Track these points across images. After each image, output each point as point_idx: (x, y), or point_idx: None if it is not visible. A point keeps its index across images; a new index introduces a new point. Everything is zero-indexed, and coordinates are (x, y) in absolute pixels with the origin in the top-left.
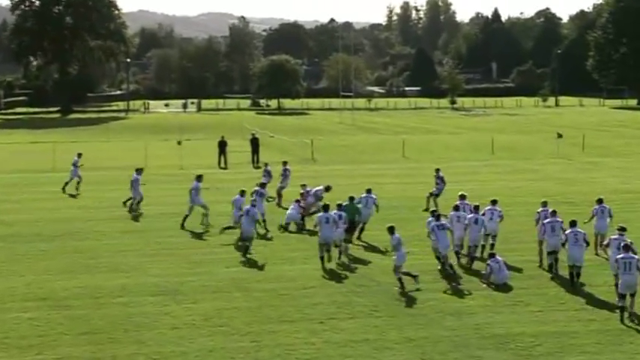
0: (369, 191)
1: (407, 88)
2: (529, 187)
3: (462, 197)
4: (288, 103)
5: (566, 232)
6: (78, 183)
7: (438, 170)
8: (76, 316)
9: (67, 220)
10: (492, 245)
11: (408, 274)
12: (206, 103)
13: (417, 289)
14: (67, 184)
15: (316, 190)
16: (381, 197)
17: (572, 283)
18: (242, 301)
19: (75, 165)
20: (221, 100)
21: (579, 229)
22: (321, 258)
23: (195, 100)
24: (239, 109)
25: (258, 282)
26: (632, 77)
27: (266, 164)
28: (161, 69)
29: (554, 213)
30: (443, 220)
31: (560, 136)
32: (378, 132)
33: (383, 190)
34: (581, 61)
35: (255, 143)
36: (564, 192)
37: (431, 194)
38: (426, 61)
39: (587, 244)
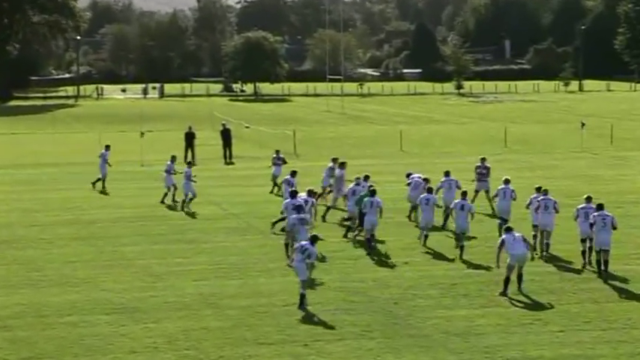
0: (372, 193)
1: (405, 71)
2: (549, 186)
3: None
4: (266, 87)
5: (594, 214)
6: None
7: (483, 160)
8: (18, 338)
9: (6, 226)
10: (547, 245)
11: None
12: (170, 87)
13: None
14: (100, 180)
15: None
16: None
17: (599, 272)
18: (212, 320)
19: (104, 159)
20: (188, 85)
21: (607, 213)
22: None
23: (158, 85)
24: (209, 95)
25: (232, 298)
26: None
27: (277, 151)
28: (117, 48)
29: (589, 199)
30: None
31: (583, 125)
32: (372, 122)
33: (378, 191)
34: (609, 39)
35: (226, 135)
36: (589, 191)
37: (481, 192)
38: (427, 39)
39: (615, 227)
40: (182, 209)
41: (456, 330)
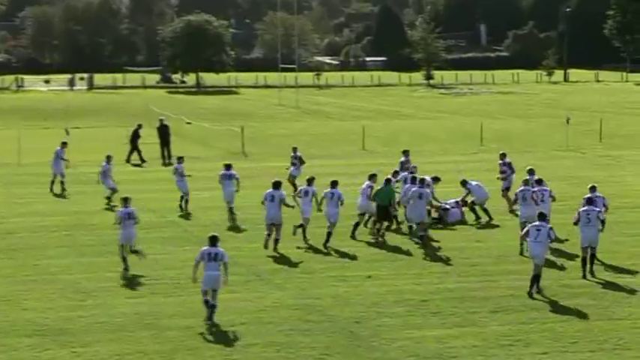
0: (333, 185)
1: (368, 59)
2: None
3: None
4: (210, 78)
5: (580, 210)
6: (62, 182)
7: (503, 156)
8: None
9: None
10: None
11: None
12: (100, 78)
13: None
14: (52, 183)
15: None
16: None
17: (584, 274)
18: (150, 343)
19: (60, 158)
20: (120, 75)
21: (594, 207)
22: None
23: (86, 75)
24: (144, 87)
25: (171, 317)
26: None
27: (295, 149)
28: (39, 33)
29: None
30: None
31: (569, 120)
32: (330, 117)
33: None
34: (597, 23)
35: (164, 132)
36: (577, 195)
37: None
38: (392, 23)
39: (603, 223)
40: (183, 210)
41: (426, 353)
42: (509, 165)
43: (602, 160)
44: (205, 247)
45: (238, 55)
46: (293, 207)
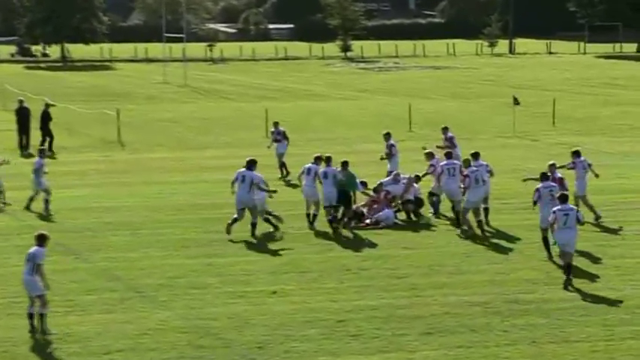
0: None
1: (272, 27)
2: None
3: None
4: (79, 50)
5: (554, 209)
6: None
7: (446, 130)
8: None
9: None
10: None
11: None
12: None
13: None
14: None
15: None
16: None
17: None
18: None
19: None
20: None
21: (571, 206)
22: None
23: None
24: None
25: (31, 344)
26: (631, 8)
27: (276, 123)
28: None
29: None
30: None
31: (517, 102)
32: (226, 97)
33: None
34: None
35: (23, 116)
36: (525, 192)
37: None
38: None
39: (581, 223)
40: (47, 212)
41: None
42: (451, 140)
43: (556, 148)
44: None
45: (113, 22)
46: (274, 192)
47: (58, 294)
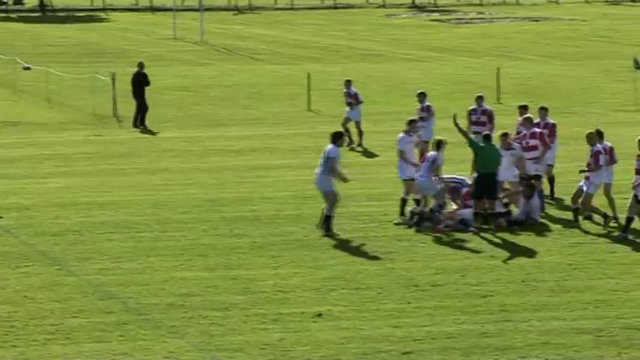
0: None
1: None
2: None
3: None
4: None
5: None
6: None
7: (422, 95)
8: None
9: None
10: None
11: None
12: None
13: None
14: None
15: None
16: (267, 197)
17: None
18: None
19: None
20: None
21: None
22: None
23: None
24: None
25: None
26: None
27: (348, 82)
28: None
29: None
30: None
31: (638, 65)
32: (256, 58)
33: (264, 182)
34: None
35: None
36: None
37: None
38: None
39: None
40: None
41: None
42: (428, 108)
43: None
44: None
45: None
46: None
47: (36, 317)
